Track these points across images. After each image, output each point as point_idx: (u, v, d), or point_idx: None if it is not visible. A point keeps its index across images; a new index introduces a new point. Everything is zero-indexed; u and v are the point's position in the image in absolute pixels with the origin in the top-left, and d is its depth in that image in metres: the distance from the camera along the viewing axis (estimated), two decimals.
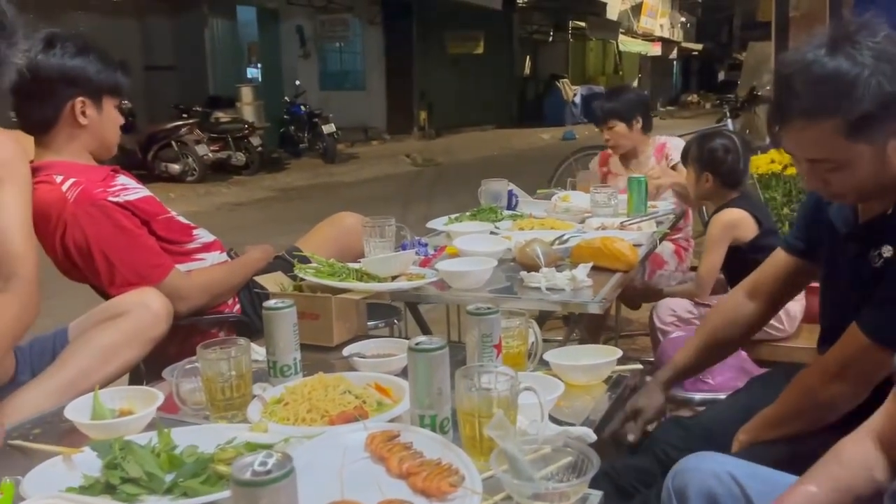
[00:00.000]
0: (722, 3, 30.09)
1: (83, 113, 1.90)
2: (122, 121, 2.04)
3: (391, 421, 1.23)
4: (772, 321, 2.11)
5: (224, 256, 2.15)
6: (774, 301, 1.70)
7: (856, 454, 1.05)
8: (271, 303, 1.47)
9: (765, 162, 3.68)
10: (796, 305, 2.37)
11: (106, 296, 1.89)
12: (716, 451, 1.30)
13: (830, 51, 1.20)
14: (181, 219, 2.07)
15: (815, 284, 1.64)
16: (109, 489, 1.03)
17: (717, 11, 32.36)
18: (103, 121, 1.95)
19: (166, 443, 1.12)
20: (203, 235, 2.10)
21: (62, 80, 1.87)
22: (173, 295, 1.84)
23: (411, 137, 16.01)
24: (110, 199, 1.87)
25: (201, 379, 1.32)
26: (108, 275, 1.86)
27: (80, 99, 1.89)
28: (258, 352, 1.54)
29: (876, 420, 1.05)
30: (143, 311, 1.73)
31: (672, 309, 2.48)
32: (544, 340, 1.67)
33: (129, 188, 1.93)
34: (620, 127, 3.22)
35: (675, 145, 3.28)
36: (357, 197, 8.56)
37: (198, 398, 1.36)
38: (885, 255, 1.30)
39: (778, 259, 1.67)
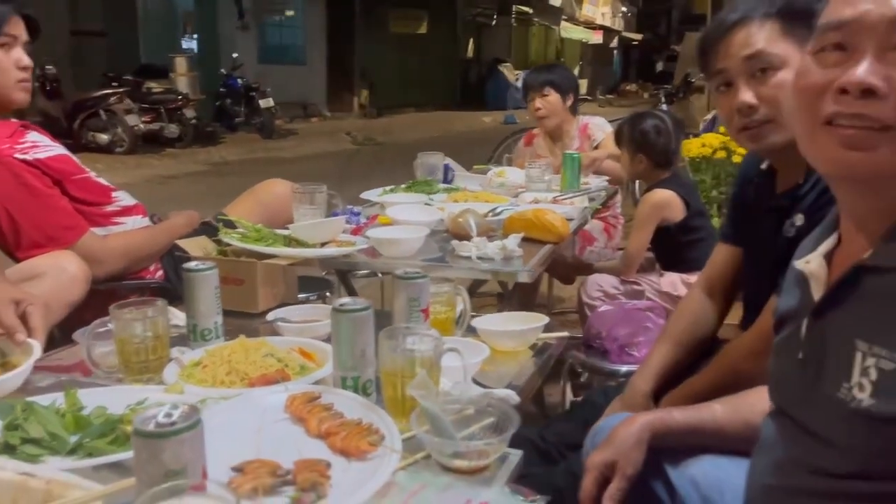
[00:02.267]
0: None
1: None
2: (19, 62, 1.77)
3: (314, 384, 1.20)
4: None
5: (146, 221, 2.07)
6: (730, 293, 1.66)
7: (757, 393, 1.11)
8: (192, 264, 1.42)
9: (696, 146, 3.77)
10: None
11: (15, 259, 1.80)
12: None
13: None
14: (100, 180, 1.98)
15: None
16: (9, 450, 0.97)
17: (656, 3, 32.95)
18: None
19: (72, 403, 1.07)
20: (123, 198, 2.02)
21: None
22: (88, 258, 1.76)
23: (352, 115, 15.82)
24: (17, 156, 1.77)
25: (115, 340, 1.27)
26: (14, 236, 1.77)
27: None
28: (179, 317, 1.49)
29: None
30: (60, 274, 1.66)
31: (599, 285, 2.51)
32: (476, 316, 1.67)
33: (39, 145, 1.83)
34: (555, 97, 3.23)
35: (598, 124, 3.32)
36: (294, 173, 8.29)
37: (112, 361, 1.30)
38: (797, 224, 1.33)
39: (719, 252, 1.67)
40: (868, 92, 0.77)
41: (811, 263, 0.91)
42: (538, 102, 3.25)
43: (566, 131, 3.31)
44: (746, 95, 1.31)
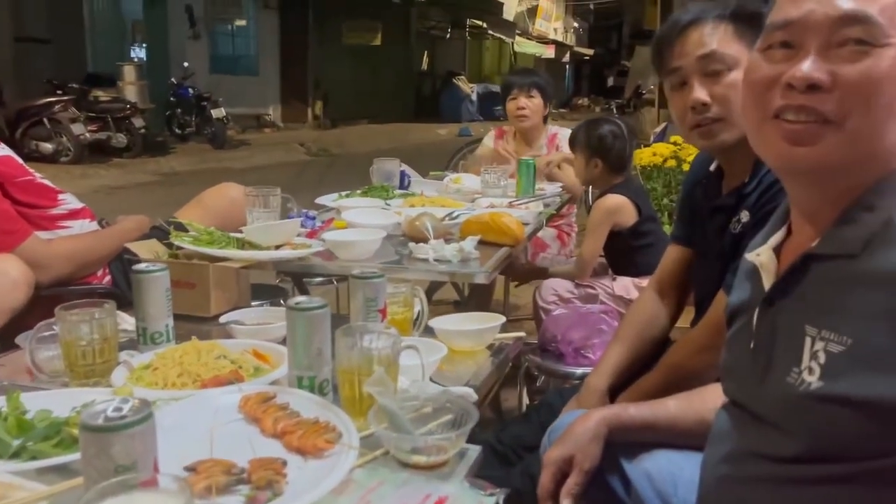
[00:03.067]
0: (613, 11, 31.26)
1: None
2: None
3: (269, 385, 1.18)
4: None
5: (94, 225, 2.02)
6: (681, 293, 1.68)
7: (712, 388, 1.13)
8: (142, 266, 1.38)
9: (647, 155, 3.85)
10: None
11: None
12: None
13: None
14: (45, 181, 1.92)
15: None
16: None
17: (608, 18, 33.60)
18: None
19: (15, 406, 1.03)
20: (70, 201, 1.96)
21: None
22: (32, 263, 1.71)
23: (306, 127, 15.69)
24: None
25: (60, 343, 1.22)
26: None
27: None
28: (128, 322, 1.45)
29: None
30: (1, 279, 1.59)
31: (554, 289, 2.53)
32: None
33: None
34: (539, 100, 3.24)
35: (566, 136, 3.34)
36: (245, 183, 8.10)
37: (56, 366, 1.27)
38: (743, 221, 1.36)
39: (671, 253, 1.69)
40: (813, 86, 0.80)
41: (761, 255, 0.93)
42: (523, 101, 3.22)
43: (537, 137, 3.34)
44: (700, 93, 1.35)
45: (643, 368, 1.61)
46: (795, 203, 0.92)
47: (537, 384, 2.61)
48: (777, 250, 0.93)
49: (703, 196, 1.53)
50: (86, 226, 1.97)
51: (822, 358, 0.78)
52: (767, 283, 0.91)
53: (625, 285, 2.48)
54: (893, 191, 0.81)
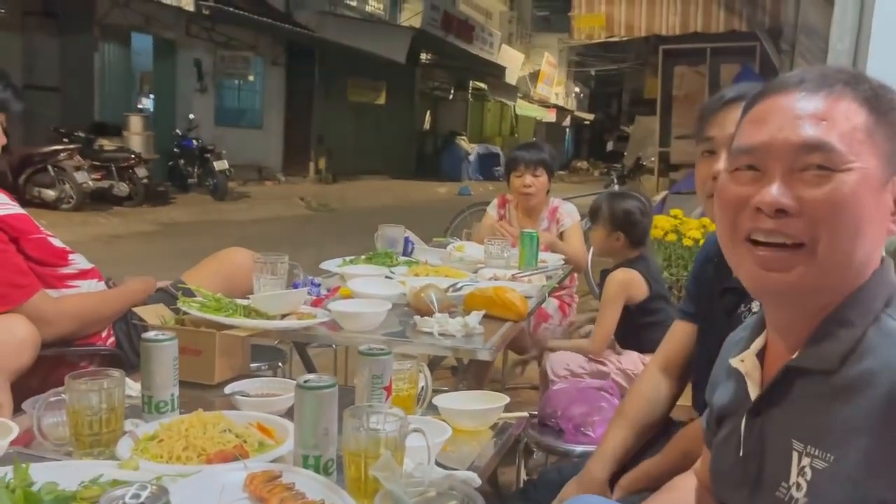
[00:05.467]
0: (613, 79, 31.95)
1: None
2: (3, 140, 1.87)
3: (273, 461, 1.18)
4: None
5: (101, 286, 2.03)
6: (686, 371, 1.67)
7: (685, 484, 1.16)
8: (151, 334, 1.40)
9: None
10: None
11: None
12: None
13: None
14: (56, 241, 1.95)
15: None
16: None
17: (608, 85, 34.33)
18: None
19: (23, 478, 1.03)
20: (80, 262, 1.98)
21: None
22: (38, 319, 1.72)
23: (307, 181, 15.85)
24: None
25: (67, 411, 1.23)
26: None
27: None
28: (132, 387, 1.45)
29: (697, 462, 1.18)
30: (8, 338, 1.60)
31: (566, 363, 2.52)
32: (434, 390, 1.66)
33: None
34: (544, 178, 3.28)
35: (567, 210, 3.38)
36: (245, 236, 8.32)
37: (61, 433, 1.27)
38: (754, 311, 1.37)
39: (677, 329, 1.68)
40: (781, 211, 0.83)
41: (745, 362, 0.95)
42: (529, 179, 3.26)
43: (539, 210, 3.37)
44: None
45: (643, 450, 1.62)
46: (770, 318, 0.94)
47: (534, 456, 2.58)
48: (759, 355, 0.95)
49: (715, 275, 1.53)
50: (93, 286, 1.99)
51: (808, 475, 0.80)
52: (753, 391, 0.92)
53: (632, 360, 2.48)
54: (866, 303, 0.84)
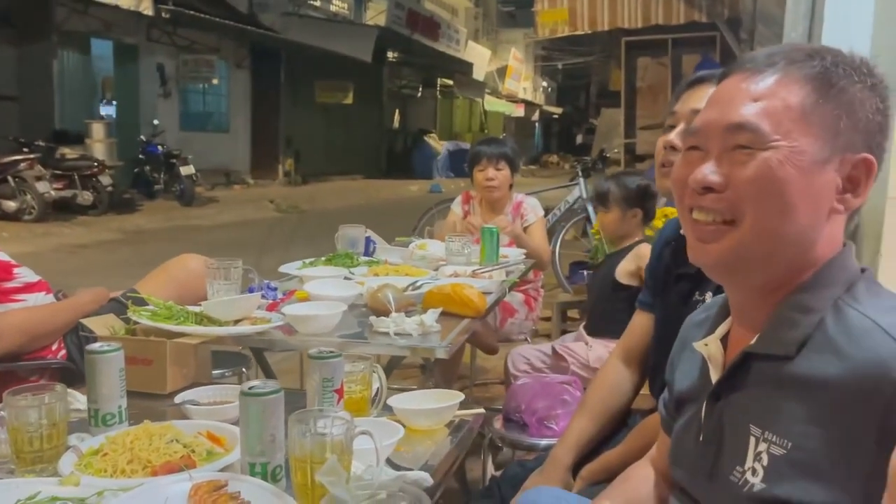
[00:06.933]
0: (580, 72, 32.15)
1: None
2: None
3: (222, 470, 1.16)
4: None
5: (50, 298, 1.99)
6: (647, 361, 1.67)
7: (640, 474, 1.17)
8: (94, 346, 1.36)
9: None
10: None
11: None
12: None
13: None
14: (1, 255, 1.90)
15: None
16: None
17: (576, 78, 34.53)
18: None
19: None
20: (25, 275, 1.93)
21: None
22: None
23: (276, 183, 15.73)
24: None
25: (7, 428, 1.20)
26: None
27: None
28: (82, 401, 1.42)
29: (652, 449, 1.19)
30: None
31: (526, 357, 2.53)
32: (400, 389, 1.65)
33: None
34: (507, 172, 3.28)
35: (532, 205, 3.38)
36: (213, 241, 8.23)
37: (3, 451, 1.23)
38: (707, 303, 1.38)
39: (637, 320, 1.70)
40: (708, 188, 0.87)
41: (710, 346, 0.96)
42: (491, 173, 3.25)
43: (503, 205, 3.37)
44: (675, 137, 1.46)
45: (608, 437, 1.62)
46: (731, 302, 0.95)
47: (502, 451, 2.58)
48: (724, 339, 0.96)
49: (672, 259, 1.55)
50: (41, 299, 1.95)
51: (765, 460, 0.80)
52: (714, 375, 0.93)
53: (599, 356, 2.48)
54: (824, 287, 0.84)
